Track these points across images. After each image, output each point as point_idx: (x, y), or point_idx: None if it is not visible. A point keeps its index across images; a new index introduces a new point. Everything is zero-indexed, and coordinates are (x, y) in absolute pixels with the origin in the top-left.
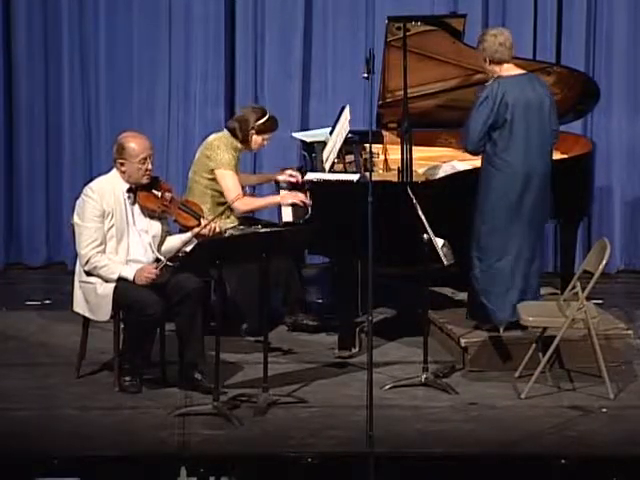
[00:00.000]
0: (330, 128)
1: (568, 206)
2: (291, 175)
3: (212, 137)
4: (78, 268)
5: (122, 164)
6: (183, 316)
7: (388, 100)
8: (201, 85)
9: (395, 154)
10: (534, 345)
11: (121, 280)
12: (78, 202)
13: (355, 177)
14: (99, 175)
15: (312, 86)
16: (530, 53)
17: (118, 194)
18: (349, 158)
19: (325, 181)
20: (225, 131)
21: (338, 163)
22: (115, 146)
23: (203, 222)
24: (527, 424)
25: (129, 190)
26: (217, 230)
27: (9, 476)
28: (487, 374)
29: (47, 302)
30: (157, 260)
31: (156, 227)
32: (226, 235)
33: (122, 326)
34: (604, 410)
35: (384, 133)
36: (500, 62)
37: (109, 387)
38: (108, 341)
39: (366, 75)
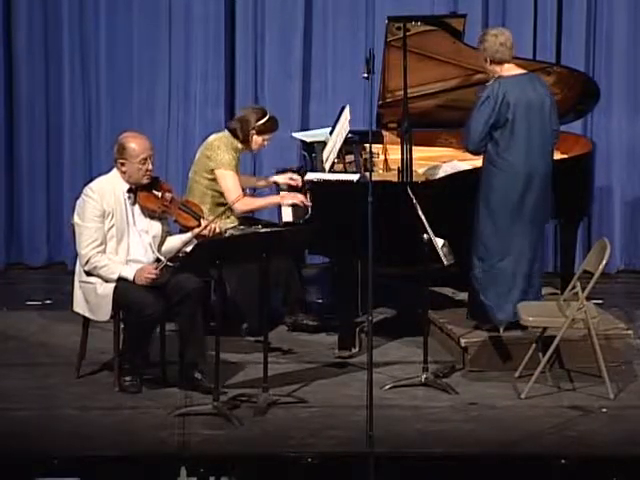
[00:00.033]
0: (330, 128)
1: (568, 206)
2: (291, 179)
3: (212, 137)
4: (78, 268)
5: (122, 164)
6: (183, 316)
7: (388, 100)
8: (201, 85)
9: (395, 154)
10: (534, 345)
11: (121, 280)
12: (78, 202)
13: (355, 177)
14: (99, 175)
15: (312, 86)
16: (530, 53)
17: (118, 194)
18: (349, 158)
19: (325, 181)
20: (225, 131)
21: (338, 163)
22: (116, 146)
23: (203, 222)
24: (527, 424)
25: (129, 190)
26: (217, 231)
27: (9, 476)
28: (487, 374)
29: (47, 302)
30: (157, 260)
31: (156, 227)
32: (226, 235)
33: (122, 326)
34: (604, 410)
35: (384, 133)
36: (501, 62)
37: (109, 387)
38: (108, 341)
39: (366, 75)
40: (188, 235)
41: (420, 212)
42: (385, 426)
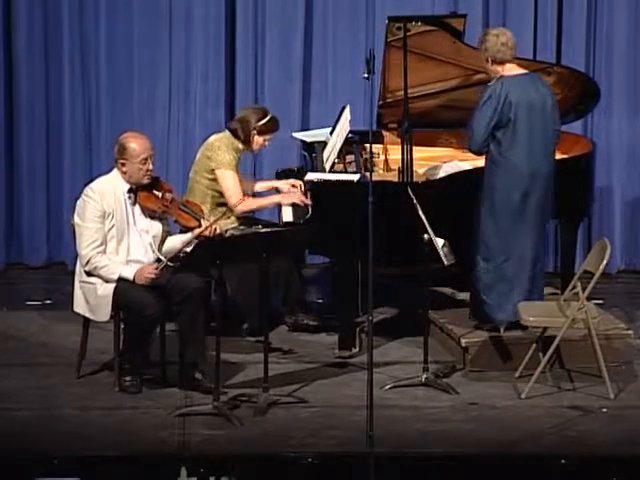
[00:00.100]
0: (330, 128)
1: (568, 206)
2: (293, 186)
3: (213, 138)
4: (78, 268)
5: (123, 164)
6: (185, 315)
7: (388, 100)
8: (201, 85)
9: (395, 154)
10: (534, 345)
11: (121, 280)
12: (79, 202)
13: (355, 177)
14: (99, 175)
15: (312, 86)
16: (530, 53)
17: (119, 194)
18: (349, 158)
19: (325, 181)
20: (226, 132)
21: (338, 163)
22: (116, 146)
23: (204, 223)
24: (527, 424)
25: (130, 190)
26: (217, 231)
27: (9, 476)
28: (487, 374)
29: (48, 302)
30: (158, 260)
31: (157, 227)
32: (226, 235)
33: (122, 326)
34: (604, 410)
35: (384, 133)
36: (502, 62)
37: (109, 387)
38: (108, 341)
39: (366, 75)
40: (188, 235)
41: (420, 212)
42: (385, 426)
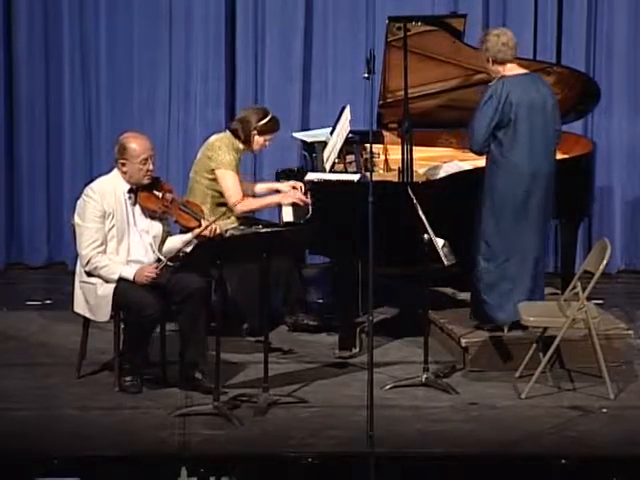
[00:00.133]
0: (330, 128)
1: (569, 206)
2: (294, 187)
3: (213, 138)
4: (79, 268)
5: (123, 164)
6: (185, 315)
7: (389, 100)
8: (202, 85)
9: (395, 154)
10: (534, 345)
11: (121, 280)
12: (79, 202)
13: (355, 177)
14: (100, 175)
15: (312, 87)
16: (530, 53)
17: (119, 194)
18: (349, 158)
19: (325, 181)
20: (227, 132)
21: (338, 163)
22: (116, 146)
23: (204, 223)
24: (527, 424)
25: (130, 190)
26: (218, 231)
27: (9, 476)
28: (487, 374)
29: (48, 302)
30: (158, 260)
31: (157, 227)
32: (226, 235)
33: (122, 326)
34: (604, 410)
35: (384, 133)
36: (503, 62)
37: (109, 387)
38: (108, 341)
39: (366, 75)
40: (189, 235)
41: (421, 212)
42: (385, 426)
